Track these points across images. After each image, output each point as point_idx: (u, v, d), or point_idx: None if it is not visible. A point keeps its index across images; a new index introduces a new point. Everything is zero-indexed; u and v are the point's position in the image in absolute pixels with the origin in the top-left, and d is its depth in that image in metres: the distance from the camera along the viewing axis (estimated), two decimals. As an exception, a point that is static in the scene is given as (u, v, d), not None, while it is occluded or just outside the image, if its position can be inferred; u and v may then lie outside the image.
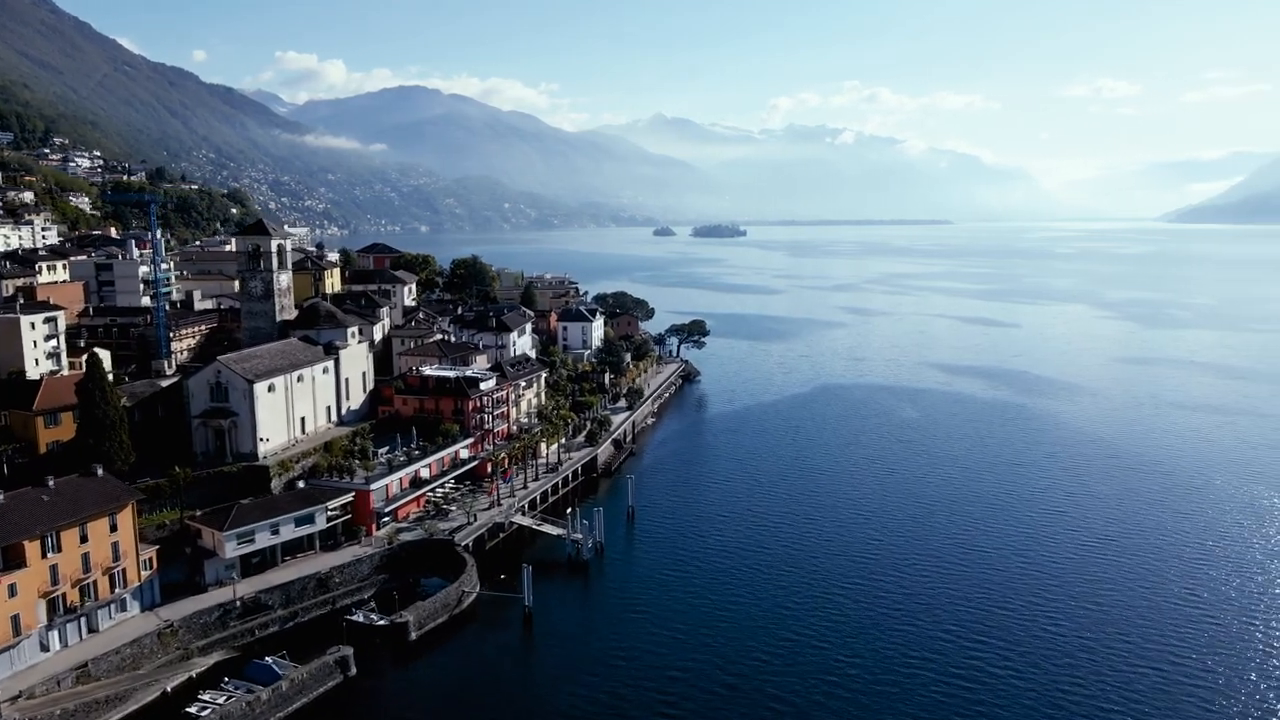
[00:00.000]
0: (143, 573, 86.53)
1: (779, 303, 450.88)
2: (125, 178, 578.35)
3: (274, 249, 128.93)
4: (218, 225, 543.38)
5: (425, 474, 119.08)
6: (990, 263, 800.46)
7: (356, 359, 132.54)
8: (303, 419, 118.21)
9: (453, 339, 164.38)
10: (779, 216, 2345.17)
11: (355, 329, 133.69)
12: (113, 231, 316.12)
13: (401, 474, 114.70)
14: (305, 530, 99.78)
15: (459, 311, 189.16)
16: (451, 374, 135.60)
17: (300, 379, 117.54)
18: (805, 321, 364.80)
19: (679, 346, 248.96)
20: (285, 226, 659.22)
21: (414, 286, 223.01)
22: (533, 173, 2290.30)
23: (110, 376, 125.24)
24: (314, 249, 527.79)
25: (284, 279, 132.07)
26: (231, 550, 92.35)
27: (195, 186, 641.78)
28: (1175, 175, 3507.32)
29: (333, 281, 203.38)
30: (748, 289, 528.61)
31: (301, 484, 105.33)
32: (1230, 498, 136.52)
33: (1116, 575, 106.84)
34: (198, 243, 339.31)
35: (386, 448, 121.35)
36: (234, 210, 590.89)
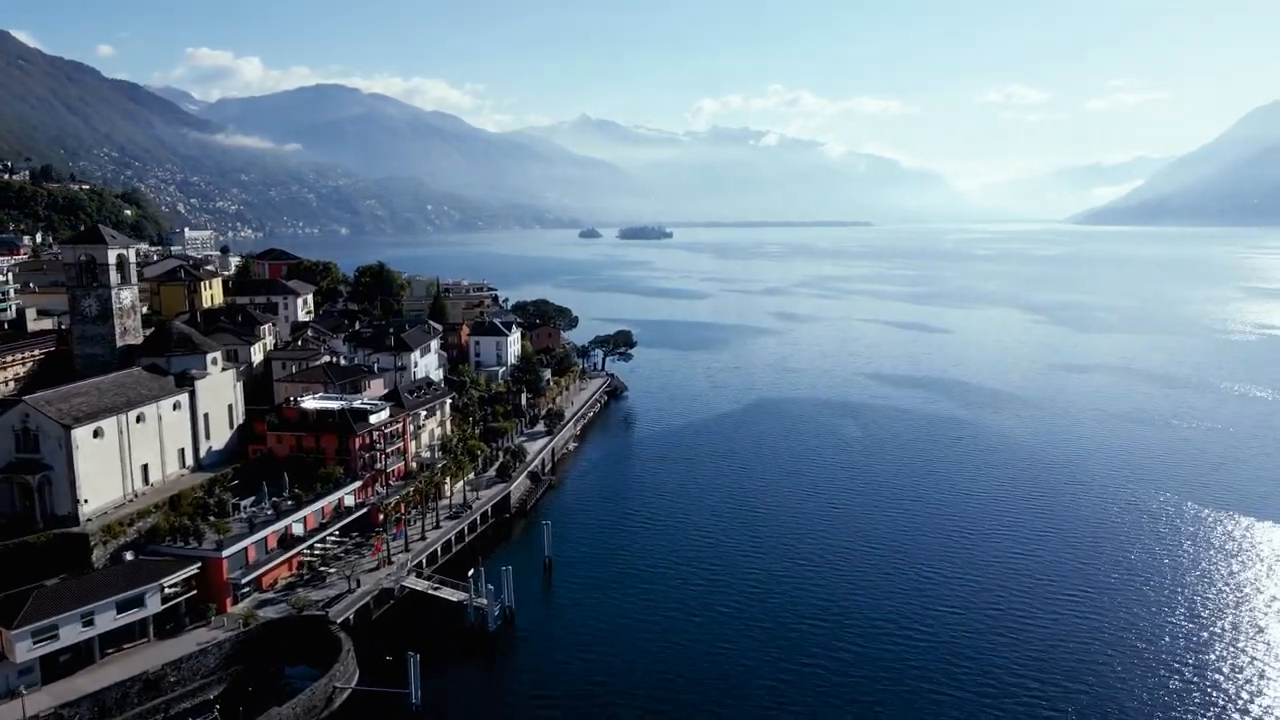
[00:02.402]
0: (-107, 693, 65.88)
1: (707, 308, 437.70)
2: (7, 177, 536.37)
3: (113, 260, 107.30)
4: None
5: (299, 529, 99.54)
6: (915, 264, 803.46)
7: (220, 390, 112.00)
8: (145, 467, 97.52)
9: (343, 361, 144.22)
10: (704, 218, 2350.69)
11: (218, 354, 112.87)
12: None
13: (267, 532, 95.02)
14: (134, 616, 79.64)
15: (356, 327, 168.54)
16: (335, 405, 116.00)
17: (141, 419, 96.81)
18: (734, 328, 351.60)
19: (604, 359, 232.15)
20: (188, 230, 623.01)
21: (310, 298, 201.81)
22: (457, 174, 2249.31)
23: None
24: (218, 253, 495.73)
25: (126, 296, 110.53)
26: (25, 652, 71.84)
27: (87, 186, 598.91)
28: (1081, 179, 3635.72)
29: (212, 294, 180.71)
30: (675, 293, 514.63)
31: (130, 555, 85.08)
32: (1205, 526, 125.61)
33: (1097, 625, 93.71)
34: (54, 249, 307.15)
35: (252, 498, 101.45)
36: (128, 212, 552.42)
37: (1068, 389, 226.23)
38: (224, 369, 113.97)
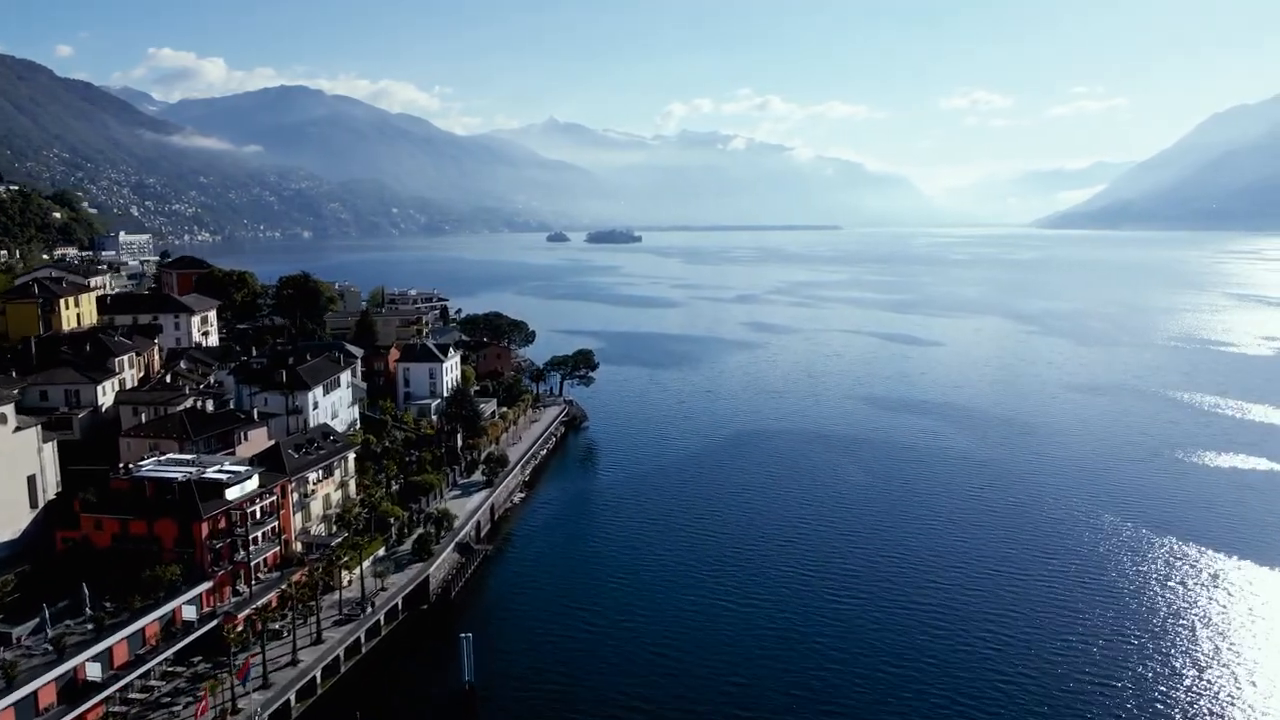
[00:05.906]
0: None
1: (676, 317, 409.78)
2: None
3: None
4: (33, 232, 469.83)
5: (96, 671, 69.09)
6: (889, 269, 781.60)
7: (12, 457, 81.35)
8: None
9: (213, 406, 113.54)
10: (673, 221, 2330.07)
11: (7, 409, 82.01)
12: None
13: (37, 685, 64.56)
14: None
15: (250, 356, 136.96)
16: (178, 474, 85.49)
17: None
18: (706, 340, 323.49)
19: (562, 383, 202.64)
20: (123, 234, 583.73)
21: (212, 315, 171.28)
22: (423, 177, 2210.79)
23: None
24: (156, 258, 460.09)
25: None
26: None
27: (15, 187, 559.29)
28: (1045, 183, 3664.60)
29: (79, 313, 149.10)
30: (643, 301, 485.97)
31: None
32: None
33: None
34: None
35: (34, 621, 71.00)
36: (56, 214, 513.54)
37: (1092, 418, 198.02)
38: (20, 427, 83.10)
